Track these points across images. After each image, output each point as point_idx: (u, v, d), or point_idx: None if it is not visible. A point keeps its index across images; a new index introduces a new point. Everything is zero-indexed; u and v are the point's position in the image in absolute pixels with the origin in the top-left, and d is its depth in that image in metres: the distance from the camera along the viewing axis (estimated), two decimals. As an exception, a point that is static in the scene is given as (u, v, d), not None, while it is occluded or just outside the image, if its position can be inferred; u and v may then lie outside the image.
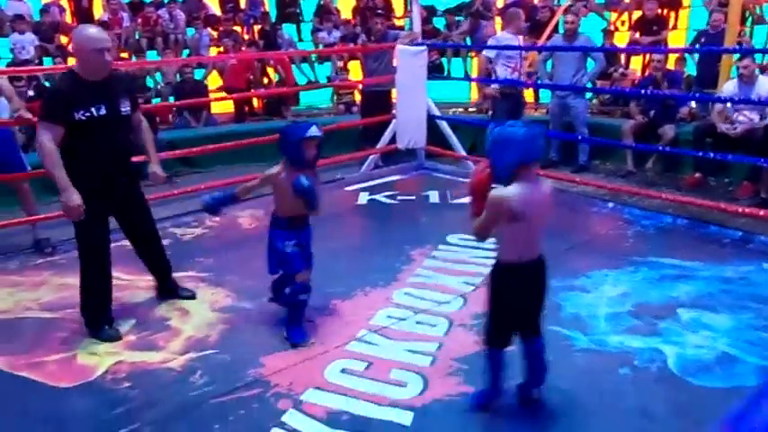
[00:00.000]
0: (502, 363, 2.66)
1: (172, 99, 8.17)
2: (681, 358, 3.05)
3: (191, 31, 10.13)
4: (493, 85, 6.82)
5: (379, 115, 6.86)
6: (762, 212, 4.76)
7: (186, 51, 9.69)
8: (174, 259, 3.92)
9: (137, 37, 9.81)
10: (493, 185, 2.41)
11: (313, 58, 9.89)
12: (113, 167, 3.33)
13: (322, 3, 11.20)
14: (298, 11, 11.45)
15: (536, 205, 2.47)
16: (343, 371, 2.99)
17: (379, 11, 8.02)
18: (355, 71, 9.29)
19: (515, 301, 2.59)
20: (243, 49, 9.33)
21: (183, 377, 2.99)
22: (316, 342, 3.26)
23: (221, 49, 9.46)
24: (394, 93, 6.85)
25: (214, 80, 9.26)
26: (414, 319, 3.49)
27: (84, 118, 3.13)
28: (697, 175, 6.20)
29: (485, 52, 6.83)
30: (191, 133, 7.63)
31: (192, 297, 3.83)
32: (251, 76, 9.06)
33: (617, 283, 3.89)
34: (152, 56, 9.21)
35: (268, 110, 8.98)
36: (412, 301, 3.72)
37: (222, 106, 9.04)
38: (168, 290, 3.85)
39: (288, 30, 10.37)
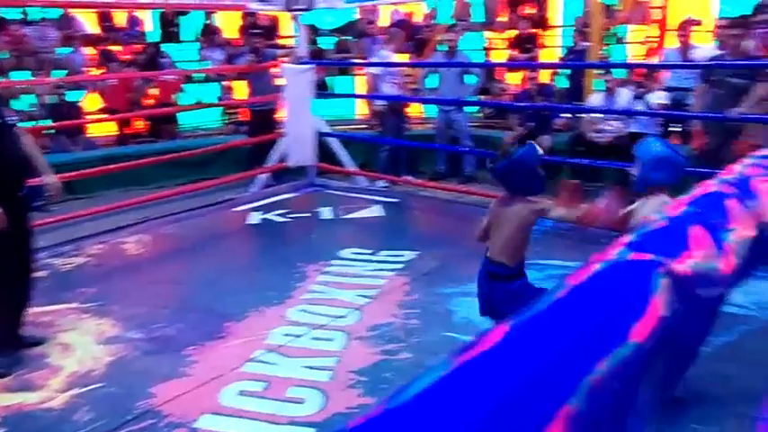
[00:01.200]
0: None
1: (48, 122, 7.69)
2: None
3: (63, 51, 9.59)
4: (381, 102, 6.98)
5: (267, 134, 6.81)
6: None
7: (58, 72, 9.15)
8: (53, 291, 3.68)
9: (4, 56, 9.16)
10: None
11: (200, 78, 9.65)
12: (9, 179, 3.12)
13: (207, 22, 10.99)
14: (177, 31, 11.15)
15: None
16: (240, 393, 2.91)
17: (257, 30, 7.95)
18: (240, 91, 9.16)
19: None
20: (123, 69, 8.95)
21: (66, 416, 2.79)
22: (215, 365, 3.15)
23: (103, 69, 9.01)
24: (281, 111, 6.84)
25: (93, 102, 8.81)
26: (310, 335, 3.45)
27: None
28: (573, 181, 6.57)
29: (370, 70, 6.97)
30: (68, 157, 7.19)
31: (39, 343, 3.38)
32: (132, 97, 8.70)
33: (506, 286, 4.04)
34: (23, 76, 8.63)
35: (152, 131, 8.65)
36: (308, 317, 3.68)
37: (103, 128, 8.61)
38: (14, 339, 3.30)
39: (169, 49, 10.07)
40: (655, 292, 0.35)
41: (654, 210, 2.54)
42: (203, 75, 9.79)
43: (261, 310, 3.75)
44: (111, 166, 5.93)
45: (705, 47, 6.33)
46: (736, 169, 0.57)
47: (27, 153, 3.30)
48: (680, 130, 6.68)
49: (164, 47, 9.89)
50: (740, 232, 0.44)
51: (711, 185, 0.48)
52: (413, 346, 3.32)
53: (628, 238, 0.40)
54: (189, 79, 9.61)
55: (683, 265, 0.37)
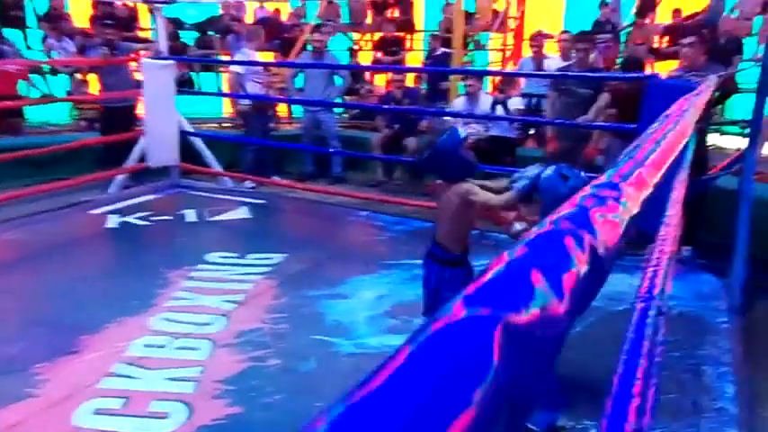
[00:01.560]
0: None
1: None
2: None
3: None
4: (245, 101, 6.84)
5: (122, 132, 6.44)
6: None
7: None
8: None
9: None
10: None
11: (45, 70, 8.93)
12: None
13: (53, 5, 10.10)
14: (22, 15, 10.23)
15: None
16: (96, 412, 2.73)
17: (108, 21, 7.49)
18: (95, 85, 8.60)
19: None
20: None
21: None
22: (67, 383, 2.93)
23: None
24: (140, 108, 6.50)
25: None
26: (174, 345, 3.31)
27: None
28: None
29: (234, 68, 6.82)
30: None
31: None
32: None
33: (374, 286, 4.11)
34: None
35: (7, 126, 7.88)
36: (171, 325, 3.53)
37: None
38: None
39: (12, 36, 9.23)
40: (493, 349, 0.37)
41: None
42: (49, 66, 9.08)
43: (120, 321, 3.54)
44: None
45: (555, 58, 6.81)
46: (576, 201, 0.61)
47: None
48: (534, 133, 7.15)
49: (6, 32, 9.05)
50: (577, 269, 0.48)
51: (550, 224, 0.52)
52: (281, 351, 3.28)
53: (467, 291, 0.41)
54: (37, 70, 8.88)
55: (521, 316, 0.39)
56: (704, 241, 4.81)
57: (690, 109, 1.85)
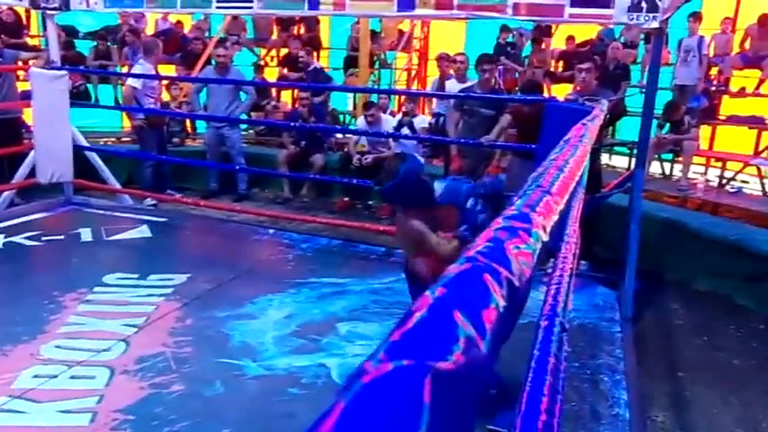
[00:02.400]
0: None
1: None
2: (342, 368, 3.30)
3: None
4: (140, 116, 6.63)
5: (8, 146, 6.04)
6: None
7: None
8: None
9: None
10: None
11: None
12: None
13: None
14: None
15: None
16: (-22, 451, 2.52)
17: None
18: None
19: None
20: None
21: None
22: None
23: None
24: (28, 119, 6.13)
25: None
26: (67, 374, 3.11)
27: None
28: (345, 198, 6.84)
29: (130, 82, 6.57)
30: None
31: None
32: None
33: (281, 306, 4.05)
34: None
35: None
36: (64, 353, 3.31)
37: None
38: None
39: None
40: (423, 400, 0.36)
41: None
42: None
43: (5, 351, 3.28)
44: None
45: (453, 80, 7.01)
46: (490, 235, 0.63)
47: None
48: (439, 154, 7.31)
49: None
50: (497, 304, 0.49)
51: (467, 262, 0.53)
52: (185, 376, 3.16)
53: (390, 339, 0.41)
54: None
55: (448, 361, 0.39)
56: (598, 256, 5.08)
57: (586, 134, 1.95)
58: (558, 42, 10.11)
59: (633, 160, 6.64)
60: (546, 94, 6.12)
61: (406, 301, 4.21)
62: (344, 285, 4.43)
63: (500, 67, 7.63)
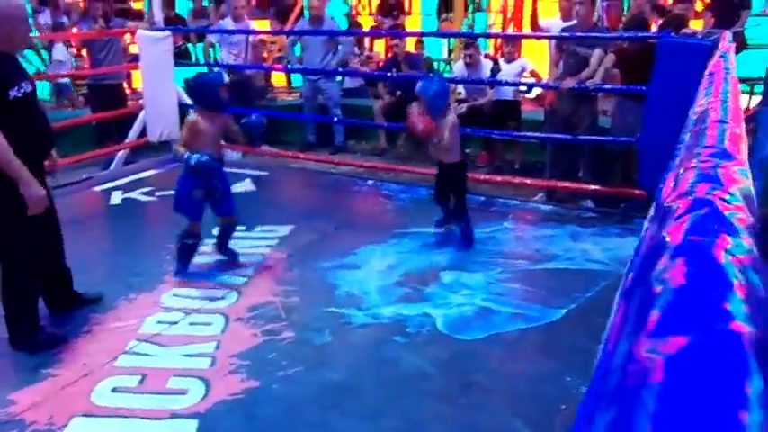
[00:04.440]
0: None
1: None
2: (447, 318, 3.30)
3: None
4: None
5: (111, 109, 6.34)
6: (499, 178, 5.35)
7: None
8: None
9: None
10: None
11: (38, 46, 8.77)
12: (47, 150, 2.95)
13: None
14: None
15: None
16: (113, 390, 2.72)
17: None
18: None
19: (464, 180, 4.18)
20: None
21: None
22: (84, 362, 2.92)
23: None
24: (129, 83, 6.40)
25: None
26: (187, 321, 3.30)
27: (20, 95, 2.77)
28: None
29: (209, 38, 6.73)
30: None
31: (99, 299, 3.44)
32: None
33: (384, 255, 4.08)
34: None
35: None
36: (182, 301, 3.51)
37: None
38: (72, 299, 3.36)
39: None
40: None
41: (448, 123, 3.92)
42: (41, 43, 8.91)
43: (131, 299, 3.52)
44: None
45: (556, 19, 6.64)
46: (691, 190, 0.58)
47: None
48: (533, 96, 7.04)
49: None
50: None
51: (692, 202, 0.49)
52: (295, 324, 3.27)
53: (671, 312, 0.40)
54: (29, 46, 8.71)
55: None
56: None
57: (729, 67, 1.79)
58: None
59: (753, 98, 6.14)
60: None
61: (509, 251, 4.14)
62: (445, 235, 4.40)
63: (603, 3, 7.15)
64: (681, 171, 0.69)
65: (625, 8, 8.59)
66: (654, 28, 5.69)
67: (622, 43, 5.05)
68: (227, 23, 6.91)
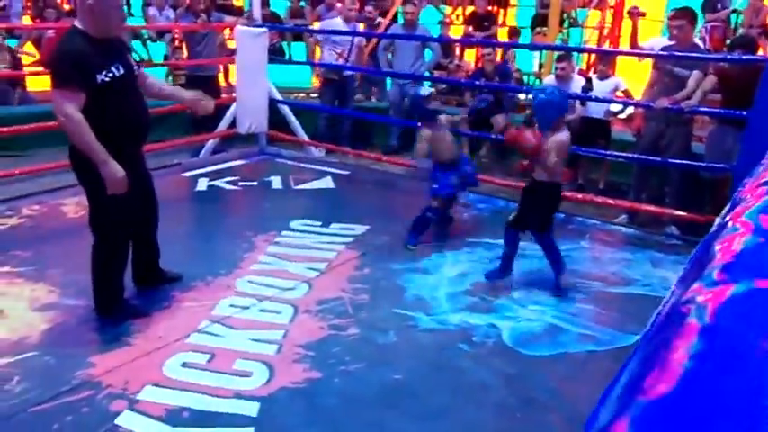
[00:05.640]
0: (517, 241, 3.75)
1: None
2: (514, 331, 3.26)
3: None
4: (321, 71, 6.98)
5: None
6: (580, 196, 5.22)
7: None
8: (-16, 253, 3.48)
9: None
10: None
11: (145, 35, 9.28)
12: (139, 133, 3.11)
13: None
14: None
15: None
16: (183, 365, 2.84)
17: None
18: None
19: (551, 206, 3.76)
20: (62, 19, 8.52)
21: (-4, 385, 2.67)
22: (159, 335, 3.06)
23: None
24: (227, 76, 6.64)
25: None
26: (258, 308, 3.40)
27: (107, 79, 2.88)
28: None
29: (315, 36, 6.90)
30: (2, 111, 6.84)
31: (180, 278, 3.61)
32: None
33: (456, 263, 4.07)
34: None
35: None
36: (255, 288, 3.62)
37: (42, 83, 8.19)
38: (156, 276, 3.55)
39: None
40: None
41: (555, 142, 3.52)
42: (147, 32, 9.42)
43: (207, 281, 3.66)
44: (50, 123, 5.64)
45: (661, 38, 6.42)
46: None
47: (155, 93, 3.42)
48: (624, 117, 6.83)
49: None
50: None
51: (767, 191, 0.48)
52: (361, 321, 3.31)
53: (721, 260, 0.39)
54: (135, 36, 9.23)
55: None
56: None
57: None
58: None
59: None
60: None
61: (584, 271, 4.03)
62: (521, 249, 4.30)
63: (707, 25, 6.87)
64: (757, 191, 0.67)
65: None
66: (761, 52, 5.41)
67: (725, 65, 4.82)
68: (336, 23, 7.05)
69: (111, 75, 2.90)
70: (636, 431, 0.38)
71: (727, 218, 0.59)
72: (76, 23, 2.96)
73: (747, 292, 0.39)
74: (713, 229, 0.75)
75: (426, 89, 4.47)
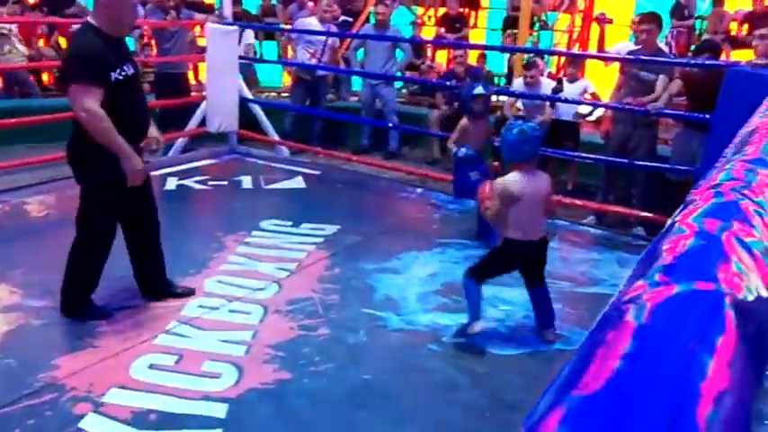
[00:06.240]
0: (480, 293, 3.13)
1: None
2: (484, 331, 3.27)
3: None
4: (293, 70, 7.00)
5: (175, 98, 6.54)
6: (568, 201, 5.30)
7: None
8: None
9: None
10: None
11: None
12: (143, 131, 3.07)
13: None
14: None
15: (531, 191, 2.99)
16: (150, 366, 2.80)
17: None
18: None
19: (510, 266, 3.17)
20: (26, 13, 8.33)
21: (-45, 388, 2.59)
22: (126, 337, 3.01)
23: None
24: (197, 74, 6.58)
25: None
26: (227, 308, 3.36)
27: (120, 78, 2.90)
28: (496, 163, 6.70)
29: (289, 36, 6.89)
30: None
31: (192, 293, 3.46)
32: (35, 46, 8.12)
33: (426, 263, 4.08)
34: None
35: (59, 85, 8.11)
36: (225, 289, 3.58)
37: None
38: (163, 288, 3.42)
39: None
40: (725, 326, 0.36)
41: (507, 181, 3.02)
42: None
43: (176, 281, 3.61)
44: (13, 120, 5.53)
45: (626, 43, 6.54)
46: (736, 173, 0.58)
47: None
48: (593, 119, 6.93)
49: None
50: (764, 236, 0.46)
51: (714, 194, 0.49)
52: (331, 321, 3.30)
53: (664, 261, 0.41)
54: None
55: (742, 292, 0.38)
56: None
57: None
58: (744, 2, 9.10)
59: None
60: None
61: (555, 271, 4.07)
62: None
63: (674, 30, 7.00)
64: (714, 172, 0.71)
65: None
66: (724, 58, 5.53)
67: (691, 69, 4.92)
68: (310, 22, 7.03)
69: (123, 74, 2.93)
70: (567, 424, 0.41)
71: (677, 218, 0.62)
72: (90, 20, 2.97)
73: (687, 294, 0.41)
74: (664, 229, 0.78)
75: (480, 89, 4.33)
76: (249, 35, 7.15)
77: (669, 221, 0.78)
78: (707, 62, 4.72)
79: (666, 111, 4.95)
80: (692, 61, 5.08)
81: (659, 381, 0.41)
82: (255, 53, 7.73)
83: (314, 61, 6.97)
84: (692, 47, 7.50)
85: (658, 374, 0.42)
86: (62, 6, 8.49)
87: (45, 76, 8.38)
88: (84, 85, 2.81)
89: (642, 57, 5.04)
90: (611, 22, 7.46)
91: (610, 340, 0.45)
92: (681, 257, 0.44)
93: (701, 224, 0.64)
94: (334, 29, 7.24)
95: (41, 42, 8.48)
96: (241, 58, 6.61)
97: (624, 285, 0.69)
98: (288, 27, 8.62)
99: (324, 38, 7.00)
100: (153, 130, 3.23)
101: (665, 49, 6.19)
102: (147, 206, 3.32)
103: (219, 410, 2.53)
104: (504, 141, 3.04)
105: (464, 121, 4.47)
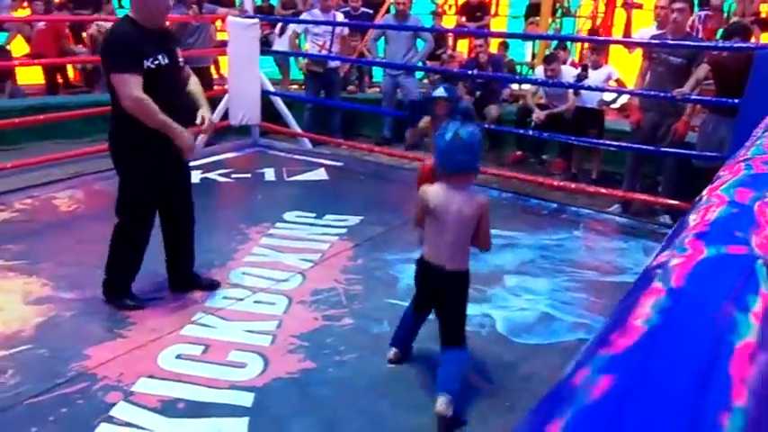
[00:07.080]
0: (406, 322, 2.87)
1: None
2: (507, 321, 3.27)
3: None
4: (303, 62, 6.99)
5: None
6: (573, 186, 5.23)
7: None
8: (-24, 246, 3.47)
9: None
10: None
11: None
12: (179, 121, 3.13)
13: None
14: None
15: (447, 210, 2.47)
16: (178, 356, 2.84)
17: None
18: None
19: (417, 284, 2.78)
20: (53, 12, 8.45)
21: (-10, 378, 2.66)
22: (153, 328, 3.06)
23: (27, 11, 8.48)
24: (218, 68, 6.62)
25: (19, 47, 8.30)
26: (252, 299, 3.40)
27: (153, 66, 2.98)
28: (518, 152, 6.67)
29: (293, 27, 6.88)
30: (-8, 105, 6.80)
31: (217, 285, 3.51)
32: (64, 43, 8.23)
33: (449, 254, 4.06)
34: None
35: (86, 81, 8.24)
36: (249, 280, 3.62)
37: (31, 76, 8.15)
38: (191, 281, 3.49)
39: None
40: (759, 287, 0.36)
41: (428, 189, 2.54)
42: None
43: (201, 273, 3.65)
44: (41, 117, 5.63)
45: (648, 29, 6.42)
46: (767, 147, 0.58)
47: (193, 95, 3.38)
48: (617, 107, 6.84)
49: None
50: None
51: (744, 166, 0.49)
52: (355, 311, 3.31)
53: (695, 228, 0.41)
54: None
55: None
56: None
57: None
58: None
59: None
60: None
61: (577, 260, 4.05)
62: (513, 238, 4.35)
63: (701, 13, 6.86)
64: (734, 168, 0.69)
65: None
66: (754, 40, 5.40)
67: (719, 54, 4.82)
68: (315, 14, 7.06)
69: (156, 62, 3.00)
70: (593, 379, 0.41)
71: (704, 193, 0.61)
72: (129, 13, 3.09)
73: (718, 257, 0.40)
74: (692, 205, 0.77)
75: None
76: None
77: (697, 199, 0.77)
78: (735, 45, 4.62)
79: (693, 96, 4.86)
80: (720, 44, 4.97)
81: (692, 337, 0.41)
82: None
83: (324, 53, 6.97)
84: (720, 30, 7.36)
85: (691, 331, 0.41)
86: (88, 5, 8.60)
87: (71, 73, 8.49)
88: (124, 74, 2.92)
89: (670, 41, 4.94)
90: (640, 7, 7.33)
91: (640, 303, 0.45)
92: (712, 224, 0.44)
93: (732, 194, 0.63)
94: (339, 16, 7.22)
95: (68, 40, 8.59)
96: (263, 51, 6.63)
97: (654, 258, 0.68)
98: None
99: (329, 28, 6.99)
100: (204, 112, 3.38)
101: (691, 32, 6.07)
102: (186, 200, 3.44)
103: (246, 399, 2.56)
104: (436, 146, 2.48)
105: (426, 120, 3.92)
